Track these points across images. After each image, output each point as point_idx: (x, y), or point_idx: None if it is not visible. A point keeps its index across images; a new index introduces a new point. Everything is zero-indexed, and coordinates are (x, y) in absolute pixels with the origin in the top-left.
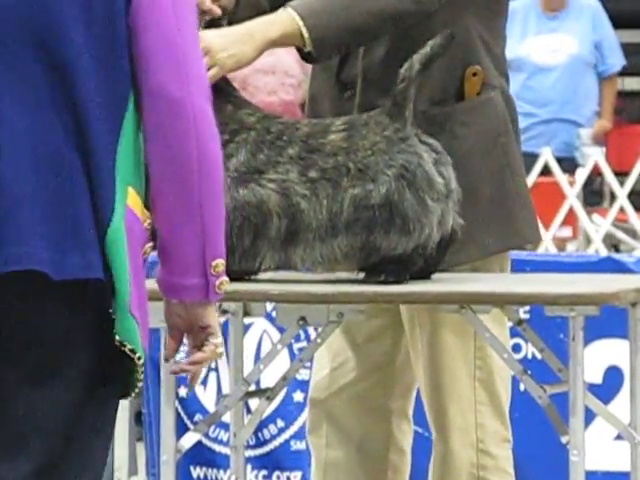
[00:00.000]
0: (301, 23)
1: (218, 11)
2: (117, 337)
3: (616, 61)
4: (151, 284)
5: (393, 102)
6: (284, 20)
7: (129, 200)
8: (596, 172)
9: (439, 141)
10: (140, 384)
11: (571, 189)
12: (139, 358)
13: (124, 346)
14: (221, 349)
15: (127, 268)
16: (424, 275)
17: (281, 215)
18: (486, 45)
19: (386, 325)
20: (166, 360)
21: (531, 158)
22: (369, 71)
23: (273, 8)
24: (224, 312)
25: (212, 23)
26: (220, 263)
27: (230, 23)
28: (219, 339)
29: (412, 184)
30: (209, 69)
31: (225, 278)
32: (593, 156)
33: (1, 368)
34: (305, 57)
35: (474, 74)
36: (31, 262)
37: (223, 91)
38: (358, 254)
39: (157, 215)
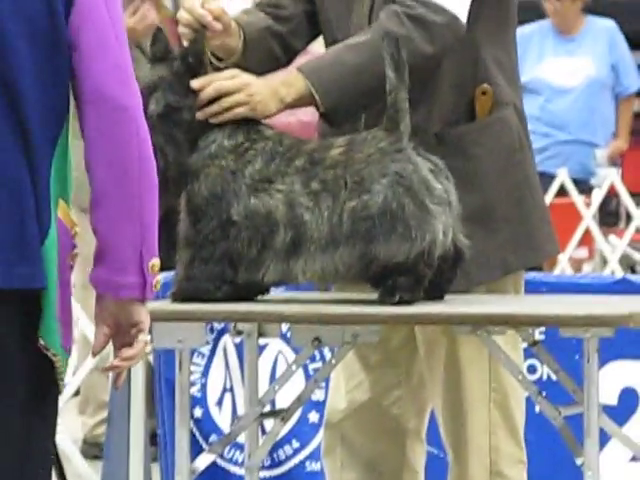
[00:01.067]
0: (314, 90)
1: (217, 26)
2: (41, 341)
3: (633, 82)
4: (162, 305)
5: (387, 117)
6: (299, 86)
7: (59, 211)
8: (612, 193)
9: (454, 162)
10: (62, 382)
11: (587, 210)
12: (59, 361)
13: (47, 350)
14: (149, 346)
15: (56, 277)
16: (438, 296)
17: (286, 226)
18: (497, 60)
19: (400, 347)
20: (93, 355)
21: (548, 179)
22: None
23: (286, 53)
24: (239, 333)
25: (217, 69)
26: (156, 263)
27: (238, 66)
28: (148, 336)
29: (409, 190)
30: (241, 105)
31: (159, 277)
32: (609, 177)
33: None
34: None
35: (483, 93)
36: None
37: None
38: (358, 264)
39: (97, 216)
